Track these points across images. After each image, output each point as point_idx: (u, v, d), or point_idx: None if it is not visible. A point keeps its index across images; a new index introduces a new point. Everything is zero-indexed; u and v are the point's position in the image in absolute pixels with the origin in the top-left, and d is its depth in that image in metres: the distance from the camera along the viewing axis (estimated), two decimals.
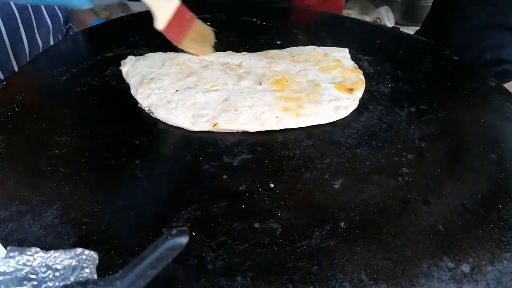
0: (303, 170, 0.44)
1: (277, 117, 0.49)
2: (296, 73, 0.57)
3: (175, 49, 0.60)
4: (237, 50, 0.64)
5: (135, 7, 1.57)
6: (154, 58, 0.58)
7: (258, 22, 0.77)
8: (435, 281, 0.35)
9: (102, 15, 1.60)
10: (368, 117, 0.52)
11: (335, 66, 0.59)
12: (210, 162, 0.44)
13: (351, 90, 0.54)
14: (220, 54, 0.61)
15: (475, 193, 0.44)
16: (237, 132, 0.48)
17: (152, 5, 0.54)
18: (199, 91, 0.51)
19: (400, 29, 0.82)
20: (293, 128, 0.49)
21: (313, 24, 0.78)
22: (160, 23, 0.56)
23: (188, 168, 0.44)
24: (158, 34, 0.69)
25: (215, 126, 0.47)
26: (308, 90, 0.54)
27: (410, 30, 1.25)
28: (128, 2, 1.63)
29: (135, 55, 0.61)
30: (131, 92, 0.52)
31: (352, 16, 1.76)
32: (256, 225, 0.38)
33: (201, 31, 0.60)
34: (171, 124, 0.48)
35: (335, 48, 0.64)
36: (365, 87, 0.57)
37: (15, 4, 0.64)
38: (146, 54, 0.59)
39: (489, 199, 0.43)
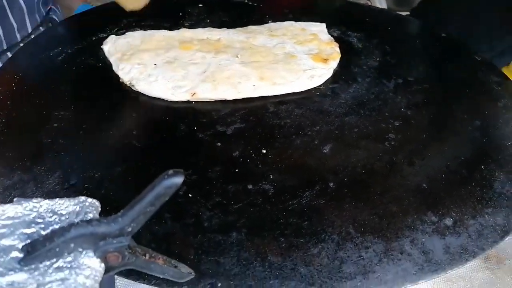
0: (294, 137, 0.46)
1: (253, 85, 0.51)
2: (273, 46, 0.59)
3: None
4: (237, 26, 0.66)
5: None
6: (134, 36, 0.60)
7: (250, 3, 0.78)
8: (419, 233, 0.37)
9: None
10: (356, 88, 0.54)
11: (311, 39, 0.61)
12: (204, 131, 0.46)
13: (325, 60, 0.57)
14: (200, 30, 0.63)
15: (458, 156, 0.46)
16: (227, 104, 0.50)
17: None
18: (178, 65, 0.54)
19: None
20: (283, 99, 0.51)
21: (305, 5, 0.79)
22: None
23: (183, 137, 0.45)
24: (151, 15, 0.71)
25: (193, 96, 0.49)
26: (284, 61, 0.56)
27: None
28: None
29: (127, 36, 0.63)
30: (113, 68, 0.54)
31: None
32: (250, 186, 0.40)
33: None
34: (152, 96, 0.50)
35: (312, 23, 0.67)
36: (354, 61, 0.59)
37: None
38: (127, 33, 0.61)
39: (472, 161, 0.45)
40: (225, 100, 0.50)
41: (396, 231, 0.37)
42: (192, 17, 0.71)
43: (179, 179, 0.22)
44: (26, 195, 0.39)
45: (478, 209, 0.40)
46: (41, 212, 0.25)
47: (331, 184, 0.41)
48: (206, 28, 0.64)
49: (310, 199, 0.39)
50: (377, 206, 0.39)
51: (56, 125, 0.47)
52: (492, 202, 0.41)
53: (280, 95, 0.52)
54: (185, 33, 0.61)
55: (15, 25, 0.71)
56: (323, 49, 0.60)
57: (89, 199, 0.27)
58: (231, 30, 0.63)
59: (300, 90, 0.53)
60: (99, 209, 0.27)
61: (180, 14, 0.72)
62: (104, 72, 0.55)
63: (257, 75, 0.53)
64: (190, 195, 0.39)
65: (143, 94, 0.51)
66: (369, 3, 1.27)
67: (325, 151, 0.44)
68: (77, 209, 0.26)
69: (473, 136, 0.49)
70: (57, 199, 0.26)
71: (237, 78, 0.52)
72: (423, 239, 0.36)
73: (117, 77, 0.54)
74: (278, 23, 0.67)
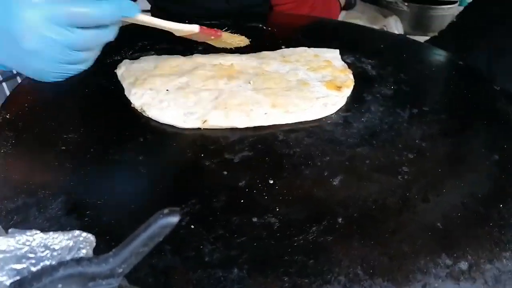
0: (302, 167, 0.45)
1: (265, 113, 0.50)
2: (286, 72, 0.58)
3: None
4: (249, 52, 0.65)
5: None
6: (148, 60, 0.60)
7: (264, 28, 0.78)
8: (432, 277, 0.35)
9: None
10: (369, 117, 0.53)
11: (325, 66, 0.61)
12: (211, 159, 0.45)
13: (339, 87, 0.56)
14: (213, 55, 0.62)
15: (475, 192, 0.43)
16: (237, 132, 0.49)
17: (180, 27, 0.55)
18: (190, 91, 0.53)
19: (410, 37, 0.83)
20: (294, 128, 0.50)
21: (318, 30, 0.79)
22: (194, 27, 0.55)
23: (189, 164, 0.45)
24: (165, 38, 0.71)
25: (205, 123, 0.49)
26: (297, 88, 0.55)
27: (419, 39, 1.26)
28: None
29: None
30: (125, 93, 0.54)
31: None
32: (254, 219, 0.39)
33: (229, 38, 0.60)
34: (162, 122, 0.50)
35: (326, 49, 0.66)
36: (367, 89, 0.58)
37: None
38: (141, 58, 0.61)
39: (489, 198, 0.43)
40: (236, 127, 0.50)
41: (407, 274, 0.35)
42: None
43: (174, 219, 0.21)
44: (29, 220, 0.38)
45: (495, 252, 0.38)
46: (33, 246, 0.25)
47: (340, 220, 0.39)
48: (219, 54, 0.64)
49: (317, 235, 0.38)
50: (388, 245, 0.37)
51: (64, 148, 0.47)
52: (510, 245, 0.38)
53: (291, 123, 0.51)
54: (198, 59, 0.61)
55: None
56: (336, 76, 0.59)
57: (84, 234, 0.26)
58: (244, 56, 0.63)
59: (313, 119, 0.52)
60: (94, 244, 0.26)
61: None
62: (116, 96, 0.55)
63: (270, 102, 0.52)
64: (193, 226, 0.38)
65: (154, 120, 0.51)
66: (385, 28, 1.26)
67: (334, 183, 0.43)
68: (71, 244, 0.25)
69: (491, 172, 0.46)
70: (51, 232, 0.26)
71: (249, 105, 0.51)
72: (436, 284, 0.34)
73: (129, 101, 0.54)
74: (291, 49, 0.67)
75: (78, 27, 0.40)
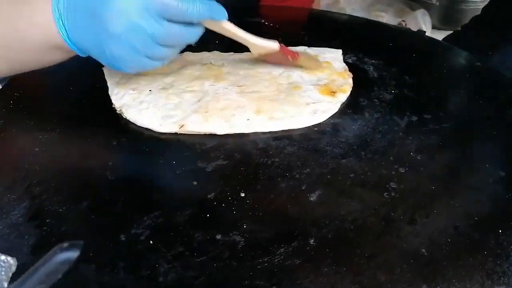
0: (279, 179, 0.41)
1: (248, 119, 0.47)
2: (279, 74, 0.54)
3: None
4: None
5: None
6: None
7: (266, 23, 0.74)
8: None
9: None
10: (361, 125, 0.48)
11: (323, 68, 0.56)
12: (182, 167, 0.42)
13: (333, 92, 0.51)
14: (204, 54, 0.60)
15: (471, 214, 0.39)
16: (216, 137, 0.46)
17: (255, 40, 0.52)
18: (173, 92, 0.50)
19: (437, 33, 0.77)
20: (277, 134, 0.47)
21: (322, 26, 0.74)
22: (275, 44, 0.53)
23: (159, 172, 0.42)
24: None
25: (182, 128, 0.46)
26: (287, 92, 0.51)
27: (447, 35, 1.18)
28: None
29: None
30: (109, 92, 0.52)
31: (385, 19, 1.69)
32: (218, 236, 0.36)
33: (307, 62, 0.56)
34: (140, 125, 0.47)
35: (327, 49, 0.61)
36: (365, 93, 0.53)
37: None
38: None
39: (487, 222, 0.38)
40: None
41: None
42: (202, 37, 0.68)
43: (74, 254, 0.19)
44: None
45: (486, 286, 0.33)
46: None
47: (312, 241, 0.36)
48: (212, 52, 0.61)
49: (284, 257, 0.34)
50: (362, 272, 0.34)
51: (37, 149, 0.45)
52: (505, 278, 0.34)
53: (275, 130, 0.47)
54: (188, 57, 0.58)
55: None
56: (333, 79, 0.55)
57: (3, 257, 0.24)
58: (238, 55, 0.60)
59: (299, 127, 0.48)
60: (14, 268, 0.24)
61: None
62: (101, 96, 0.54)
63: (254, 108, 0.49)
64: (151, 242, 0.35)
65: (133, 123, 0.49)
66: (404, 24, 1.19)
67: (311, 198, 0.39)
68: None
69: (493, 191, 0.41)
70: None
71: (231, 110, 0.48)
72: None
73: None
74: (290, 48, 0.63)
75: (167, 20, 0.39)
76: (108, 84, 0.54)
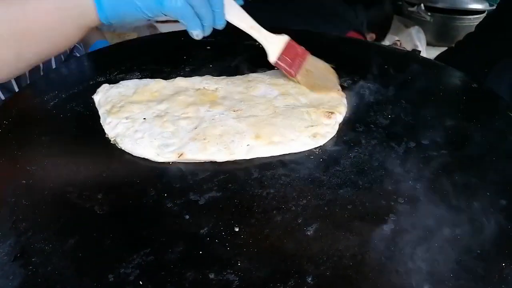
0: (274, 212, 0.40)
1: (247, 145, 0.46)
2: (274, 97, 0.54)
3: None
4: (241, 72, 0.62)
5: (164, 29, 1.59)
6: (127, 85, 0.57)
7: (260, 46, 0.74)
8: None
9: (131, 36, 1.63)
10: (358, 152, 0.47)
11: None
12: (174, 200, 0.41)
13: (330, 113, 0.51)
14: (197, 78, 0.59)
15: (474, 248, 0.37)
16: (210, 166, 0.45)
17: (263, 40, 0.56)
18: (168, 119, 0.49)
19: (432, 49, 0.77)
20: (271, 162, 0.45)
21: (318, 48, 0.74)
22: (272, 57, 0.56)
23: (150, 206, 0.41)
24: (152, 59, 0.68)
25: (180, 157, 0.45)
26: (284, 115, 0.51)
27: (442, 51, 1.19)
28: (156, 24, 1.66)
29: (126, 80, 0.61)
30: (101, 121, 0.50)
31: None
32: (211, 275, 0.34)
33: (316, 65, 0.59)
34: (136, 155, 0.46)
35: None
36: (361, 119, 0.52)
37: None
38: (120, 82, 0.58)
39: (490, 255, 0.37)
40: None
41: None
42: (195, 61, 0.68)
43: None
44: None
45: None
46: None
47: (309, 279, 0.34)
48: (204, 77, 0.60)
49: None
50: None
51: (24, 181, 0.44)
52: None
53: (268, 156, 0.46)
54: (180, 82, 0.57)
55: (41, 66, 0.71)
56: (327, 100, 0.54)
57: None
58: (230, 79, 0.59)
59: (300, 151, 0.47)
60: None
61: (184, 57, 0.69)
62: (92, 124, 0.53)
63: (253, 133, 0.48)
64: (141, 282, 0.34)
65: (128, 153, 0.47)
66: (399, 43, 1.20)
67: (308, 233, 0.38)
68: None
69: (495, 221, 0.40)
70: None
71: (230, 136, 0.47)
72: None
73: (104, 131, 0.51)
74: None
75: None
76: (100, 113, 0.53)
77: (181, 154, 0.45)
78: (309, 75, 0.57)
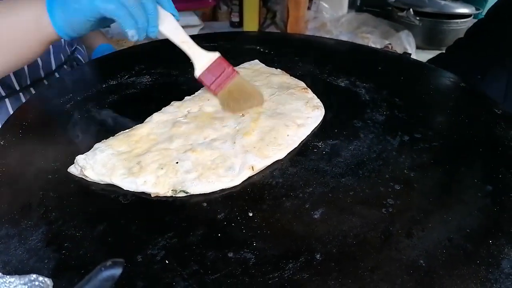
0: (284, 199, 0.44)
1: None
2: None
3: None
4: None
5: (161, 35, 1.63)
6: (111, 145, 0.49)
7: (261, 50, 0.78)
8: None
9: (129, 43, 1.67)
10: (357, 145, 0.52)
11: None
12: None
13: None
14: (171, 107, 0.57)
15: (464, 227, 0.42)
16: None
17: (191, 55, 0.57)
18: (196, 148, 0.48)
19: (421, 52, 0.81)
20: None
21: (315, 51, 0.78)
22: (197, 72, 0.57)
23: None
24: (161, 63, 0.72)
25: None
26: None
27: (431, 54, 1.24)
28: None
29: (137, 83, 0.64)
30: (121, 184, 0.46)
31: (371, 41, 1.75)
32: (230, 254, 0.38)
33: (243, 88, 0.57)
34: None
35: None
36: (359, 115, 0.57)
37: None
38: (94, 147, 0.50)
39: (479, 234, 0.41)
40: None
41: None
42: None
43: (117, 271, 0.21)
44: (10, 251, 0.39)
45: None
46: None
47: (318, 256, 0.38)
48: (176, 103, 0.57)
49: (293, 272, 0.37)
50: (367, 284, 0.36)
51: (50, 176, 0.47)
52: (497, 285, 0.36)
53: None
54: (157, 118, 0.54)
55: (40, 63, 0.74)
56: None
57: (40, 277, 0.26)
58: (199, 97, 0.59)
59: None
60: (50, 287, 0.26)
61: (191, 62, 0.73)
62: (108, 123, 0.56)
63: (257, 155, 0.48)
64: (167, 261, 0.37)
65: None
66: (390, 46, 1.25)
67: (315, 216, 0.42)
68: None
69: (482, 204, 0.45)
70: (8, 276, 0.26)
71: (236, 166, 0.47)
72: None
73: (119, 129, 0.54)
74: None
75: None
76: (112, 181, 0.46)
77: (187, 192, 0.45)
78: (229, 95, 0.56)
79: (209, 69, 0.57)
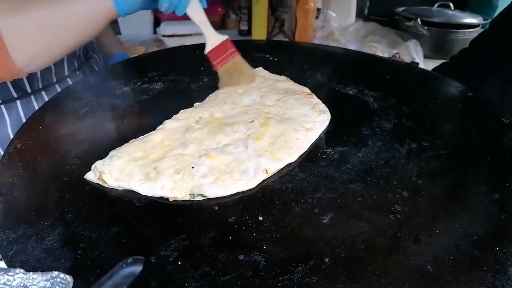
0: (293, 203, 0.45)
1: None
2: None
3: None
4: None
5: (170, 43, 1.65)
6: (126, 151, 0.51)
7: (271, 58, 0.80)
8: None
9: (139, 50, 1.70)
10: (365, 152, 0.52)
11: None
12: None
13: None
14: (184, 113, 0.58)
15: (471, 234, 0.42)
16: None
17: (206, 35, 0.67)
18: (211, 152, 0.50)
19: (429, 62, 0.82)
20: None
21: (323, 60, 0.80)
22: (207, 48, 0.67)
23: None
24: (173, 70, 0.74)
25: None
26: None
27: (439, 63, 1.24)
28: (163, 38, 1.72)
29: (149, 90, 0.66)
30: (137, 188, 0.47)
31: (379, 50, 1.77)
32: (241, 257, 0.39)
33: (239, 66, 0.67)
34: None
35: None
36: (367, 123, 0.58)
37: None
38: (110, 154, 0.51)
39: (485, 241, 0.42)
40: None
41: None
42: (212, 72, 0.73)
43: (137, 268, 0.22)
44: (27, 251, 0.40)
45: None
46: (13, 287, 0.26)
47: (327, 260, 0.39)
48: (186, 110, 0.59)
49: (302, 275, 0.38)
50: None
51: (66, 179, 0.49)
52: None
53: None
54: (170, 125, 0.55)
55: (53, 68, 0.76)
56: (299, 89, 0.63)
57: (62, 275, 0.27)
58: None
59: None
60: (71, 285, 0.28)
61: (201, 68, 0.75)
62: (122, 127, 0.58)
63: (270, 159, 0.49)
64: (180, 263, 0.39)
65: None
66: (398, 55, 1.26)
67: (324, 221, 0.43)
68: (48, 285, 0.26)
69: (489, 212, 0.45)
70: (31, 273, 0.27)
71: (251, 170, 0.48)
72: None
73: (140, 132, 0.55)
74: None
75: None
76: (130, 187, 0.47)
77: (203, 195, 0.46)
78: (226, 71, 0.66)
79: (216, 48, 0.66)
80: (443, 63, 1.18)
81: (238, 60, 0.67)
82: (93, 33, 0.64)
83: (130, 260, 0.23)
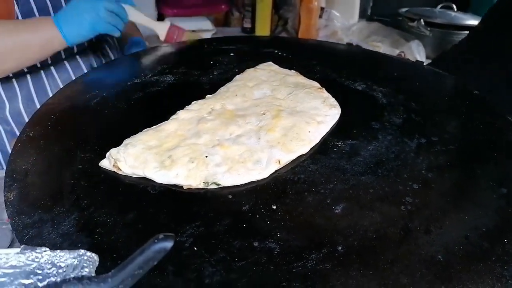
0: (306, 194, 0.45)
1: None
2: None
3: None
4: None
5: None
6: (141, 140, 0.51)
7: (279, 53, 0.80)
8: None
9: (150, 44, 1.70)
10: (376, 146, 0.53)
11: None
12: None
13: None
14: (196, 105, 0.58)
15: (479, 226, 0.43)
16: None
17: (153, 27, 0.85)
18: (224, 143, 0.50)
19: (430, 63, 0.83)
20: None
21: (330, 56, 0.81)
22: (161, 37, 0.86)
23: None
24: (183, 63, 0.75)
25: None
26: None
27: None
28: None
29: (160, 82, 0.67)
30: (153, 175, 0.47)
31: (382, 49, 1.78)
32: (255, 244, 0.40)
33: (191, 36, 0.91)
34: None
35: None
36: (376, 118, 0.58)
37: None
38: (125, 141, 0.51)
39: (494, 233, 0.43)
40: None
41: None
42: (221, 65, 0.74)
43: (168, 244, 0.23)
44: (43, 236, 0.41)
45: None
46: (41, 263, 0.27)
47: (340, 248, 0.40)
48: (198, 101, 0.59)
49: (316, 262, 0.38)
50: (387, 276, 0.37)
51: (80, 166, 0.49)
52: None
53: None
54: (183, 115, 0.56)
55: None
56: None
57: (88, 253, 0.28)
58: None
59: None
60: (97, 263, 0.28)
61: (211, 62, 0.75)
62: (135, 117, 0.58)
63: (282, 150, 0.50)
64: (195, 248, 0.39)
65: None
66: (403, 55, 1.27)
67: (336, 211, 0.44)
68: (75, 262, 0.27)
69: (497, 205, 0.46)
70: (58, 251, 0.28)
71: (264, 160, 0.48)
72: None
73: (152, 122, 0.55)
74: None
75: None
76: (144, 174, 0.47)
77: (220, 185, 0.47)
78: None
79: (168, 33, 0.86)
80: (433, 59, 1.19)
81: (188, 33, 0.87)
82: (47, 55, 0.76)
83: (161, 236, 0.24)
